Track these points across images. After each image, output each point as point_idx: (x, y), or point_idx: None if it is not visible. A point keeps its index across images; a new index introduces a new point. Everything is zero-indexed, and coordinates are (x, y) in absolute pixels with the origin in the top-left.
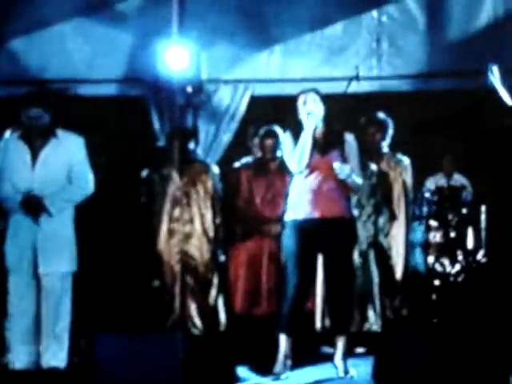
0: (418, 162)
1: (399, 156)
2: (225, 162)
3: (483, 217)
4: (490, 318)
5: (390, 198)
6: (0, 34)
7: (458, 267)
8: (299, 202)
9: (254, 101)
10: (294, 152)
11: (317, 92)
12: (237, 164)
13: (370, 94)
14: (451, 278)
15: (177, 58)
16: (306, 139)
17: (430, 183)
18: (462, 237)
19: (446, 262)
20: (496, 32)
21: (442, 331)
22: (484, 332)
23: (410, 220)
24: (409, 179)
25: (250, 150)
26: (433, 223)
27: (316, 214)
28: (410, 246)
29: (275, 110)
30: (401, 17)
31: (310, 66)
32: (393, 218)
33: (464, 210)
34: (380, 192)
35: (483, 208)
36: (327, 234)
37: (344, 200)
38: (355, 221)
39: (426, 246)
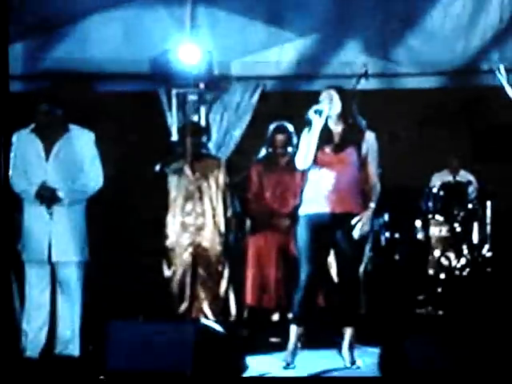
0: (425, 157)
1: None
2: (236, 156)
3: (489, 212)
4: (494, 312)
5: None
6: (17, 29)
7: (463, 261)
8: (312, 197)
9: (266, 96)
10: (300, 148)
11: (338, 89)
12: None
13: (377, 91)
14: (457, 272)
15: (190, 54)
16: (312, 137)
17: (436, 179)
18: (467, 231)
19: (452, 256)
20: (503, 31)
21: (447, 324)
22: (489, 326)
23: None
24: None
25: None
26: (439, 218)
27: (328, 209)
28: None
29: (287, 106)
30: (408, 16)
31: (321, 63)
32: None
33: (470, 206)
34: None
35: (489, 203)
36: (339, 229)
37: (357, 196)
38: None
39: (432, 241)
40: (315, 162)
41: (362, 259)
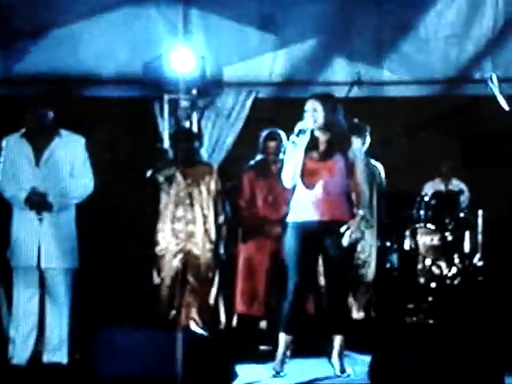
0: (416, 166)
1: (373, 162)
2: (228, 162)
3: (480, 221)
4: (485, 321)
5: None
6: (7, 33)
7: (454, 270)
8: (301, 205)
9: (259, 102)
10: (285, 167)
11: (322, 98)
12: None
13: (369, 98)
14: (448, 281)
15: (182, 60)
16: (298, 155)
17: (428, 188)
18: (458, 240)
19: (443, 264)
20: (496, 39)
21: (438, 332)
22: (479, 333)
23: (382, 224)
24: (383, 185)
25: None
26: (430, 226)
27: (317, 217)
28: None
29: (279, 112)
30: (402, 24)
31: (314, 70)
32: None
33: (461, 214)
34: None
35: (480, 212)
36: (328, 237)
37: (345, 203)
38: None
39: (424, 249)
40: (303, 169)
41: (351, 266)
